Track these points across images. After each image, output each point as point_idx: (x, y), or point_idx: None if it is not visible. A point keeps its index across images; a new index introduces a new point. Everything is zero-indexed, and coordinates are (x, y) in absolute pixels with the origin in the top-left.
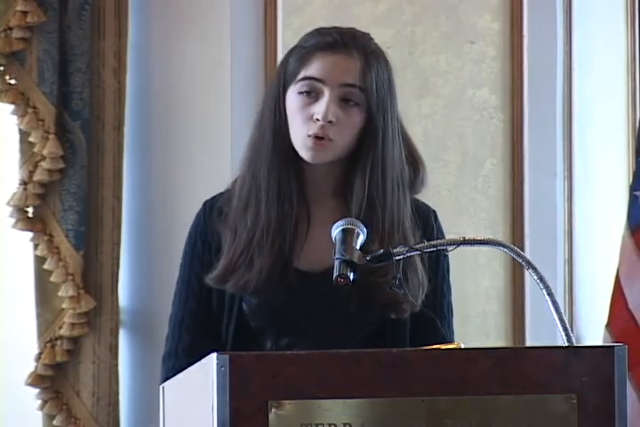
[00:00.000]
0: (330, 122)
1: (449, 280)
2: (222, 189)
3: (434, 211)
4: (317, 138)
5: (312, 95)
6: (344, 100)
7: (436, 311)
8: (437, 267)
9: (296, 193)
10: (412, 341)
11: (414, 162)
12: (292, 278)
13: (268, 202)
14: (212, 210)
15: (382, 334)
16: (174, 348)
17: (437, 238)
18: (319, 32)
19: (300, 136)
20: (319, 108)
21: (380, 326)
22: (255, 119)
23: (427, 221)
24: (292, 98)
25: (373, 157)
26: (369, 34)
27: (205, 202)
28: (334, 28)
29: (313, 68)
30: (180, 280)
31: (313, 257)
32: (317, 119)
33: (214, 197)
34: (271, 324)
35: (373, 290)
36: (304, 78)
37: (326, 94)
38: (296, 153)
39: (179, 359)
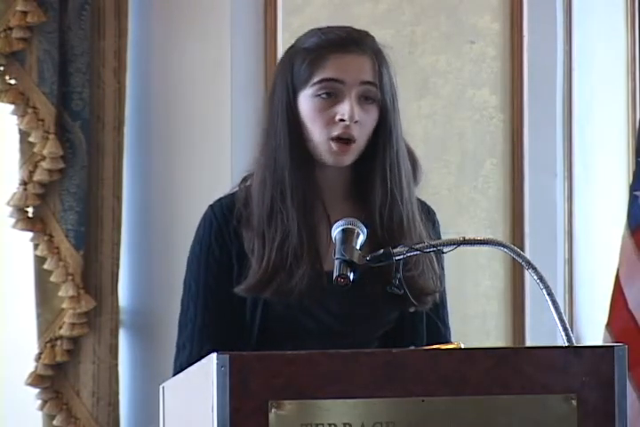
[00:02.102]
0: (355, 122)
1: (444, 271)
2: (222, 189)
3: (432, 208)
4: (342, 140)
5: (330, 97)
6: (363, 99)
7: (437, 302)
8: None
9: (318, 197)
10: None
11: (411, 157)
12: (325, 281)
13: (297, 208)
14: (225, 214)
15: (401, 331)
16: (196, 355)
17: (437, 235)
18: (321, 31)
19: (322, 139)
20: (344, 109)
21: (398, 324)
22: (264, 126)
23: (431, 215)
24: (308, 101)
25: (391, 154)
26: (368, 31)
27: (213, 205)
28: (333, 27)
29: (329, 70)
30: (195, 285)
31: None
32: (342, 120)
33: (220, 200)
34: (298, 327)
35: (404, 283)
36: (321, 81)
37: (347, 94)
38: (311, 157)
39: None
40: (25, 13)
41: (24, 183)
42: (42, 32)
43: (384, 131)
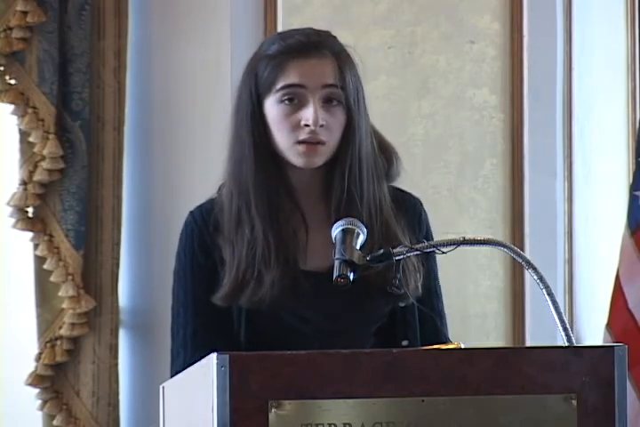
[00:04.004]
0: (321, 126)
1: (436, 262)
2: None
3: (418, 199)
4: (309, 143)
5: (294, 102)
6: (327, 101)
7: (432, 293)
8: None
9: (287, 201)
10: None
11: (386, 152)
12: (302, 281)
13: (261, 216)
14: (205, 220)
15: (394, 326)
16: (190, 361)
17: (425, 226)
18: (281, 37)
19: (289, 144)
20: (307, 114)
21: (390, 319)
22: (230, 134)
23: (412, 208)
24: (273, 108)
25: (352, 153)
26: (330, 31)
27: (193, 211)
28: (294, 30)
29: (291, 76)
30: (183, 292)
31: (317, 257)
32: (306, 125)
33: (200, 206)
34: (285, 328)
35: (373, 277)
36: (284, 87)
37: (311, 99)
38: (279, 162)
39: None
40: (25, 13)
41: (24, 183)
42: (42, 32)
43: (348, 131)
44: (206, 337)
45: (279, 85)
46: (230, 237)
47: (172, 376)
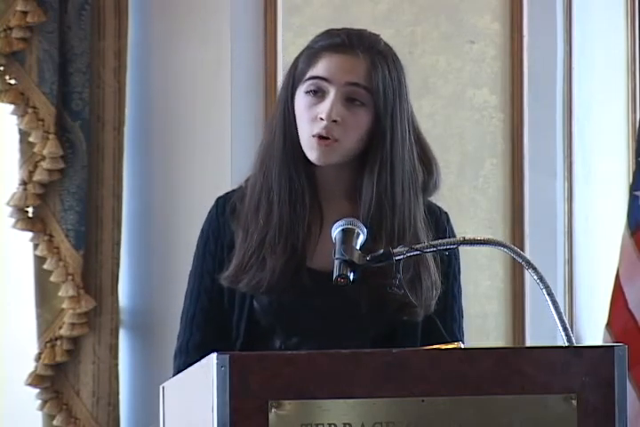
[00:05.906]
0: (334, 121)
1: (460, 283)
2: (222, 189)
3: (445, 212)
4: (322, 138)
5: (318, 95)
6: (349, 100)
7: (447, 314)
8: (449, 269)
9: (308, 194)
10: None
11: (428, 164)
12: (305, 278)
13: (280, 202)
14: (225, 207)
15: (394, 335)
16: (185, 344)
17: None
18: (328, 33)
19: (306, 136)
20: (323, 108)
21: (391, 328)
22: (267, 121)
23: (438, 222)
24: (300, 98)
25: (381, 158)
26: (379, 35)
27: (218, 198)
28: (344, 29)
29: (319, 68)
30: (192, 277)
31: (326, 257)
32: (321, 118)
33: (227, 193)
34: (282, 322)
35: (385, 292)
36: (310, 78)
37: (331, 93)
38: (306, 156)
39: (189, 356)
40: (25, 13)
41: (24, 183)
42: (42, 32)
43: (376, 135)
44: (203, 322)
45: (307, 76)
46: (247, 222)
47: (173, 359)
